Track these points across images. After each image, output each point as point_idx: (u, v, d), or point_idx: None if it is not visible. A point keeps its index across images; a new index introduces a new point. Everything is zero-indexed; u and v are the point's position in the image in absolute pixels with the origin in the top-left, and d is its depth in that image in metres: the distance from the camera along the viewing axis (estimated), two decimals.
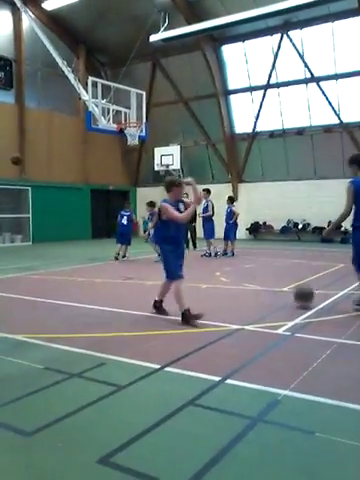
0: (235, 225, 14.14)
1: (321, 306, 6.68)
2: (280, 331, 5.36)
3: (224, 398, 3.54)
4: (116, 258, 12.87)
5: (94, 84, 14.53)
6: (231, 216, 14.03)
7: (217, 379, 3.85)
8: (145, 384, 3.82)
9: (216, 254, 13.79)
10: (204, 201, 14.15)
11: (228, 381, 3.84)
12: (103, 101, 14.61)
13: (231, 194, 20.53)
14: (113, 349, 4.68)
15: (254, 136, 20.82)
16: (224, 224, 14.21)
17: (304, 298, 6.50)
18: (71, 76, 15.57)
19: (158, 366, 4.17)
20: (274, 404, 3.38)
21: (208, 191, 14.02)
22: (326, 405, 3.38)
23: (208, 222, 13.88)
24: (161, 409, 3.31)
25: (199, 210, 13.83)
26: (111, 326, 5.68)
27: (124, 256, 13.16)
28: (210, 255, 13.79)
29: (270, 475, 2.54)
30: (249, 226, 21.37)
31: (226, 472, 2.55)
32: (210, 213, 13.87)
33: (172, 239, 6.03)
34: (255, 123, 20.49)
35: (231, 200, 14.44)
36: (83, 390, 3.72)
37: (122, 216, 13.32)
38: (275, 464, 2.64)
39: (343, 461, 2.67)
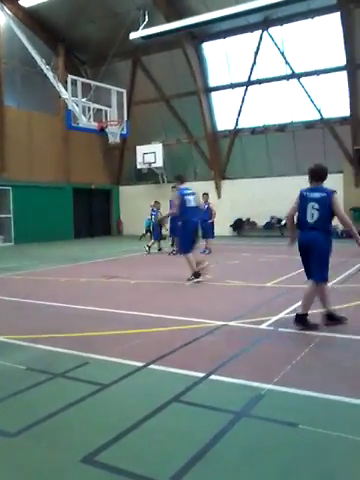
0: (212, 223, 13.89)
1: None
2: (263, 326, 5.39)
3: (208, 394, 3.55)
4: (159, 249, 14.80)
5: (73, 82, 14.40)
6: (208, 213, 13.84)
7: (201, 375, 3.85)
8: (129, 382, 3.81)
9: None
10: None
11: (212, 377, 3.84)
12: (83, 99, 14.50)
13: (212, 191, 20.62)
14: (97, 348, 4.65)
15: (236, 133, 20.87)
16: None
17: None
18: (50, 74, 15.42)
19: (142, 364, 4.16)
20: (258, 398, 3.40)
21: (206, 194, 13.98)
22: (309, 398, 3.40)
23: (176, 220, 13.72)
24: (145, 406, 3.29)
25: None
26: (95, 325, 5.65)
27: (159, 249, 14.78)
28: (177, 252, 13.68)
29: (255, 468, 2.55)
30: (232, 223, 21.43)
31: (211, 467, 2.56)
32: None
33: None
34: (237, 120, 20.52)
35: (207, 196, 14.22)
36: (66, 390, 3.69)
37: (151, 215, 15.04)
38: (259, 457, 2.65)
39: (326, 452, 2.70)
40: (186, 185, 9.10)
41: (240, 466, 2.57)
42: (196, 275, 8.61)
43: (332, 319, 5.34)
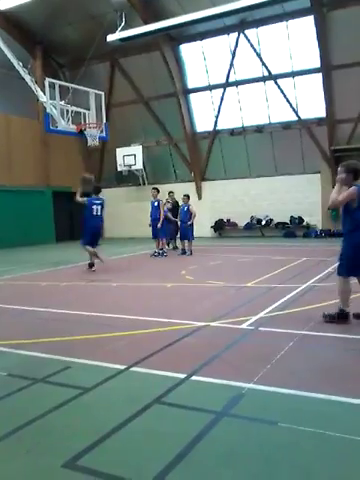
0: (192, 225, 13.85)
1: (284, 299, 6.83)
2: (244, 326, 5.45)
3: (189, 394, 3.58)
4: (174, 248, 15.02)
5: (51, 85, 14.31)
6: (188, 215, 13.88)
7: (182, 376, 3.89)
8: (111, 385, 3.82)
9: (162, 253, 13.74)
10: (155, 200, 13.98)
11: (193, 377, 3.88)
12: (61, 102, 14.41)
13: (193, 192, 20.75)
14: (78, 352, 4.65)
15: (215, 134, 20.98)
16: (180, 223, 14.14)
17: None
18: (28, 77, 15.27)
19: (124, 367, 4.18)
20: (238, 398, 3.45)
21: (158, 190, 14.00)
22: (288, 396, 3.47)
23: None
24: (127, 409, 3.32)
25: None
26: (76, 329, 5.64)
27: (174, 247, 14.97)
28: (159, 254, 13.76)
29: (235, 467, 2.59)
30: (213, 224, 21.52)
31: (192, 467, 2.59)
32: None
33: None
34: (216, 121, 20.64)
35: (188, 198, 14.25)
36: (48, 395, 3.69)
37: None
38: (240, 456, 2.69)
39: (305, 449, 2.75)
40: (100, 195, 11.39)
41: (221, 466, 2.61)
42: (90, 265, 10.86)
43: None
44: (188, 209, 13.93)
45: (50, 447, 2.87)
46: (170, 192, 15.77)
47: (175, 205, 15.28)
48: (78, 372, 4.16)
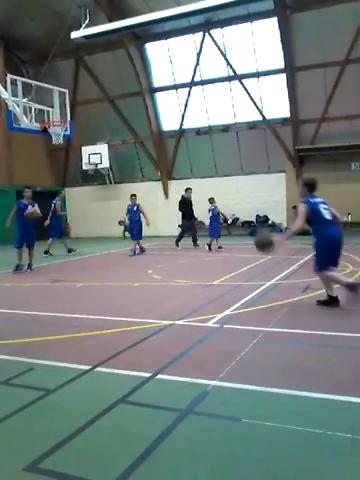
0: (139, 223, 14.00)
1: (249, 297, 6.91)
2: (210, 324, 5.48)
3: (155, 393, 3.58)
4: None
5: (13, 82, 13.98)
6: (137, 215, 13.97)
7: (148, 375, 3.88)
8: (75, 386, 3.77)
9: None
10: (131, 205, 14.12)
11: (159, 376, 3.87)
12: (24, 100, 14.11)
13: (160, 191, 20.80)
14: (42, 354, 4.57)
15: (181, 133, 21.03)
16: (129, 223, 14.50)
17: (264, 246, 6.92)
18: None
19: (88, 367, 4.13)
20: (203, 395, 3.46)
21: (134, 195, 14.15)
22: (252, 392, 3.50)
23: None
24: (91, 409, 3.28)
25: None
26: (40, 330, 5.54)
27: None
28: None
29: (199, 464, 2.60)
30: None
31: (157, 465, 2.59)
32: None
33: None
34: (182, 120, 20.69)
35: (135, 198, 14.22)
36: (10, 397, 3.61)
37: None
38: (204, 453, 2.70)
39: (268, 443, 2.79)
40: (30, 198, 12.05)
41: (184, 463, 2.61)
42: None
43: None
44: (137, 209, 13.96)
45: (12, 451, 2.81)
46: (187, 188, 16.11)
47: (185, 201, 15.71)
48: (41, 374, 4.09)
